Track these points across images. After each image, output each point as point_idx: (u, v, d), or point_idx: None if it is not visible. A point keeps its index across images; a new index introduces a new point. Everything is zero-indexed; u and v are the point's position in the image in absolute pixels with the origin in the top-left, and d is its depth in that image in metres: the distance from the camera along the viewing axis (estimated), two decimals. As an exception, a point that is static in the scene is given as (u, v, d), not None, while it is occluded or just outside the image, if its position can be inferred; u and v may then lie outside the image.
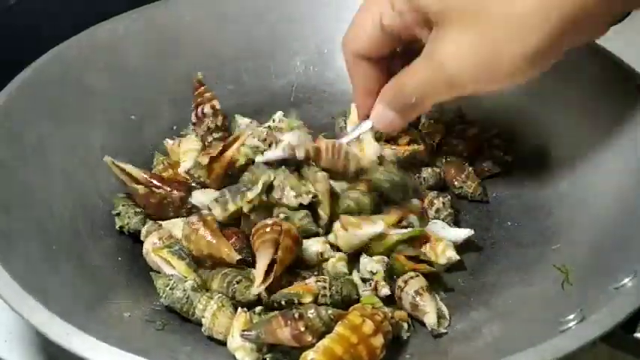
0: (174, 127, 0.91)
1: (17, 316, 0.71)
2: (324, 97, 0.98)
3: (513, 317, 0.67)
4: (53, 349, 0.71)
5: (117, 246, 0.77)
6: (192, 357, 0.65)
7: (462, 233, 0.76)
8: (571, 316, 0.59)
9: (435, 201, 0.80)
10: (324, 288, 0.68)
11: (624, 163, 0.75)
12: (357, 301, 0.69)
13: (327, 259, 0.73)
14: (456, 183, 0.84)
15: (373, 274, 0.71)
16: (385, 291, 0.69)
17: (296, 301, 0.66)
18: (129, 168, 0.78)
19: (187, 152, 0.84)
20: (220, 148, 0.78)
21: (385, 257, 0.72)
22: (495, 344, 0.63)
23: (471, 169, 0.85)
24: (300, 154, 0.75)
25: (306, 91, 0.98)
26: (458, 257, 0.73)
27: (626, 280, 0.59)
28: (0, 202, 0.68)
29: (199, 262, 0.72)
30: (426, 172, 0.85)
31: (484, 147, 0.88)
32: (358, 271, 0.73)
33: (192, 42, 0.95)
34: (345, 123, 0.90)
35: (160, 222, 0.76)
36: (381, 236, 0.72)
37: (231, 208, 0.73)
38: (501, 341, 0.64)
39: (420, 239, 0.74)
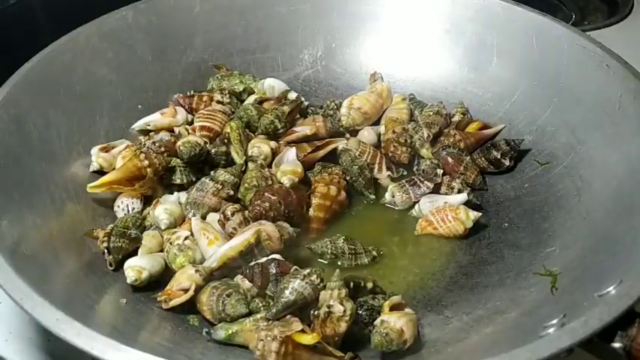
0: (180, 117, 0.93)
1: (17, 315, 0.74)
2: (330, 91, 0.99)
3: (501, 319, 0.68)
4: (53, 348, 0.73)
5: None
6: (183, 344, 0.66)
7: (460, 198, 0.81)
8: (554, 321, 0.59)
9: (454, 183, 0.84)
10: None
11: (625, 170, 0.75)
12: None
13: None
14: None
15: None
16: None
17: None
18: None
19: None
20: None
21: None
22: (478, 346, 0.64)
23: (468, 158, 0.86)
24: None
25: (312, 84, 0.99)
26: (480, 213, 0.79)
27: (610, 288, 0.59)
28: (3, 188, 0.69)
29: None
30: (424, 164, 0.86)
31: (483, 143, 0.88)
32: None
33: (200, 33, 0.96)
34: (336, 105, 0.92)
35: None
36: None
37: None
38: (484, 343, 0.64)
39: None
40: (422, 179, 0.83)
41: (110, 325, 0.64)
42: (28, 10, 0.97)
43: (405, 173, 0.87)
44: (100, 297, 0.69)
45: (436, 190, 0.83)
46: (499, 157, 0.85)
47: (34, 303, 0.57)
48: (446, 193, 0.83)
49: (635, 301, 0.56)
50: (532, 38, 0.89)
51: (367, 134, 0.90)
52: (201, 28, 0.96)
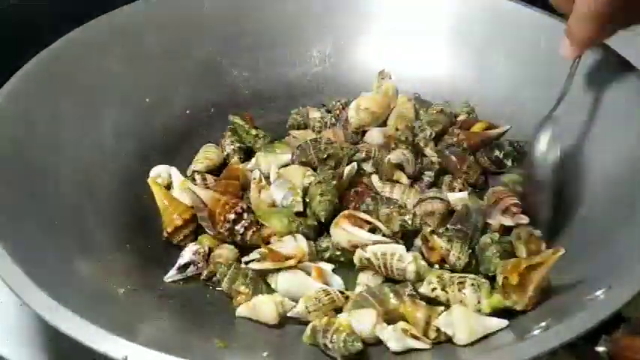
0: (188, 112, 0.94)
1: (18, 315, 0.75)
2: (338, 88, 0.99)
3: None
4: (54, 347, 0.74)
5: (120, 226, 0.79)
6: (178, 336, 0.67)
7: (460, 197, 0.80)
8: (543, 324, 0.60)
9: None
10: None
11: (628, 175, 0.74)
12: None
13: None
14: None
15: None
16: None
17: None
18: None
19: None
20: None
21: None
22: (466, 346, 0.64)
23: (471, 157, 0.86)
24: None
25: (320, 82, 1.00)
26: None
27: (599, 292, 0.59)
28: (7, 178, 0.71)
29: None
30: (426, 162, 0.86)
31: (487, 143, 0.88)
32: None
33: (210, 29, 0.97)
34: (342, 105, 0.93)
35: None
36: None
37: None
38: (474, 343, 0.64)
39: None
40: (422, 172, 0.84)
41: (106, 315, 0.65)
42: (29, 10, 0.97)
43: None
44: (97, 285, 0.69)
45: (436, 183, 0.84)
46: (501, 157, 0.85)
47: (29, 291, 0.59)
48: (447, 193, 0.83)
49: (621, 306, 0.56)
50: (539, 39, 0.88)
51: (375, 134, 0.90)
52: (210, 23, 0.97)
